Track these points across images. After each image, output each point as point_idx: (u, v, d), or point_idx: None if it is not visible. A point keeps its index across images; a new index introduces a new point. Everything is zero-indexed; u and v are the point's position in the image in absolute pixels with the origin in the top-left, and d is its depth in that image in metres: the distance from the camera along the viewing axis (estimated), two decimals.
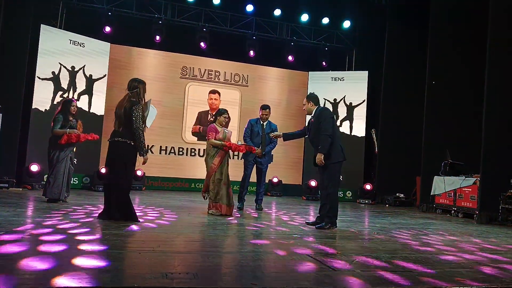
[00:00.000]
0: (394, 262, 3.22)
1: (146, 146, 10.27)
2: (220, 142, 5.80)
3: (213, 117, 6.18)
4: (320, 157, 4.93)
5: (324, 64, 11.79)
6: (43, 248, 3.01)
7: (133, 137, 4.54)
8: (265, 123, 6.75)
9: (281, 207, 7.86)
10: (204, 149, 10.90)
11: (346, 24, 11.65)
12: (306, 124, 5.53)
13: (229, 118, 6.30)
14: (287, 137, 5.88)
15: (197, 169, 10.88)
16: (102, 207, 4.79)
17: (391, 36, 10.77)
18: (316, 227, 4.96)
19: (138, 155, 4.68)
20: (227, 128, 6.16)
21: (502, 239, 5.01)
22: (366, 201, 10.18)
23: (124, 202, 4.58)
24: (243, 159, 6.93)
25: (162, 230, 4.22)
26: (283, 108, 11.57)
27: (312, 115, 5.23)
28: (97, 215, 4.85)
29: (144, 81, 4.84)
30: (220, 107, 6.36)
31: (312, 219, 5.69)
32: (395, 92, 10.62)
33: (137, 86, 4.68)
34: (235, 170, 10.80)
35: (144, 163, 4.60)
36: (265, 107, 6.83)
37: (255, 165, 6.67)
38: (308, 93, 5.63)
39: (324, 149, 4.92)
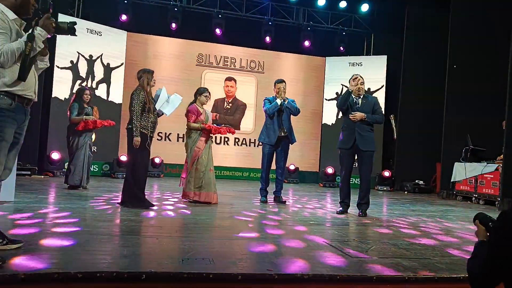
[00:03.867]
0: (412, 249, 3.18)
1: (164, 134, 10.53)
2: (198, 124, 5.34)
3: (193, 97, 5.59)
4: (361, 116, 4.97)
5: (341, 49, 11.58)
6: (58, 232, 3.07)
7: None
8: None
9: (297, 194, 7.85)
10: (217, 137, 10.99)
11: (364, 7, 11.37)
12: (347, 103, 5.12)
13: (210, 96, 5.69)
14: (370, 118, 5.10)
15: (214, 156, 10.83)
16: (121, 194, 4.87)
17: (410, 19, 10.48)
18: (360, 215, 4.93)
19: (148, 140, 4.70)
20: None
21: None
22: (385, 188, 10.07)
23: (132, 188, 4.64)
24: (261, 146, 6.06)
25: (178, 216, 4.27)
26: (300, 93, 11.43)
27: (361, 98, 5.17)
28: (116, 202, 4.95)
29: (149, 70, 4.91)
30: (201, 87, 5.84)
31: (329, 206, 5.66)
32: (414, 76, 10.37)
33: (142, 76, 4.79)
34: (246, 157, 10.88)
35: (134, 144, 4.57)
36: (280, 81, 5.95)
37: (274, 151, 5.89)
38: (358, 74, 5.37)
39: (371, 119, 5.02)
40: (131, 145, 4.61)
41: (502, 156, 7.03)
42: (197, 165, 5.31)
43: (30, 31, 2.40)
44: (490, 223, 1.71)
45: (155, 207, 4.68)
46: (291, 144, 6.04)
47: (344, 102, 5.11)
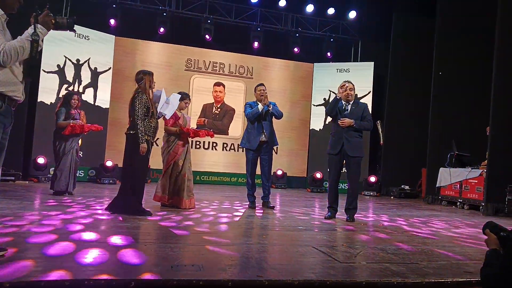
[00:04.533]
0: (400, 254, 3.21)
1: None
2: (175, 128, 5.37)
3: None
4: (350, 122, 4.98)
5: (329, 55, 11.71)
6: (44, 239, 3.03)
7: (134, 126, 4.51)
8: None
9: (285, 199, 7.86)
10: (215, 142, 10.98)
11: (352, 14, 11.52)
12: (335, 110, 5.12)
13: (189, 103, 5.81)
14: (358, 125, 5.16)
15: (202, 161, 10.90)
16: (108, 200, 4.81)
17: (397, 26, 10.67)
18: (348, 221, 4.97)
19: (150, 146, 4.65)
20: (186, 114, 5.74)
21: None
22: (371, 193, 10.16)
23: (130, 196, 4.54)
24: (244, 151, 6.09)
25: (166, 223, 4.23)
26: (288, 99, 11.50)
27: (351, 104, 5.17)
28: (103, 208, 4.89)
29: (150, 71, 4.79)
30: (183, 92, 5.74)
31: (317, 211, 5.68)
32: (401, 83, 10.54)
33: (142, 78, 4.64)
34: (233, 160, 10.87)
35: (141, 151, 4.51)
36: (260, 84, 5.96)
37: (258, 157, 5.90)
38: (347, 81, 5.22)
39: (360, 126, 5.04)
40: (131, 152, 4.48)
41: (486, 161, 7.16)
42: (172, 170, 5.33)
43: (32, 30, 2.34)
44: (501, 232, 1.71)
45: (151, 216, 4.55)
46: (274, 147, 6.04)
47: (332, 109, 5.16)
